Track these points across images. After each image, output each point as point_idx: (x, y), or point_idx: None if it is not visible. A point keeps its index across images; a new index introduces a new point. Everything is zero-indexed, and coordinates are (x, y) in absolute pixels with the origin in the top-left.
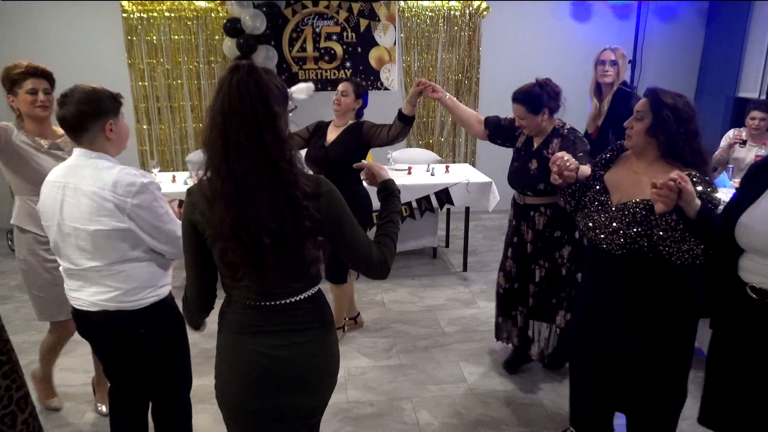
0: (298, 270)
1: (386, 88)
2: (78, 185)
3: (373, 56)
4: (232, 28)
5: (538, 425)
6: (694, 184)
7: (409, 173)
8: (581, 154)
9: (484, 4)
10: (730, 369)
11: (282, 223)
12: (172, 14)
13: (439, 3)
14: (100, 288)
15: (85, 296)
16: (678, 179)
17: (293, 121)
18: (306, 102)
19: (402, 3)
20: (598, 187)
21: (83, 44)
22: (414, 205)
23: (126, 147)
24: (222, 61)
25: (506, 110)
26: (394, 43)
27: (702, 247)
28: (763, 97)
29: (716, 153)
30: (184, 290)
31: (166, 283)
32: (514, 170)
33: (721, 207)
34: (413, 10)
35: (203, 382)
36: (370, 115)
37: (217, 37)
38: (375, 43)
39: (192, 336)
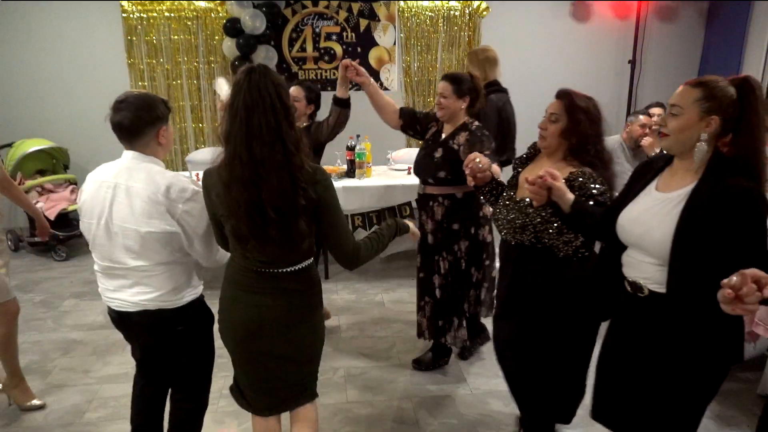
0: (293, 244)
1: (386, 89)
2: (131, 187)
3: (372, 56)
4: (232, 28)
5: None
6: (577, 180)
7: (409, 173)
8: (488, 152)
9: (483, 4)
10: (613, 362)
11: (285, 200)
12: (172, 14)
13: (438, 3)
14: (142, 288)
15: (126, 296)
16: (545, 176)
17: None
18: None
19: (402, 3)
20: (512, 184)
21: (83, 44)
22: (414, 205)
23: (169, 150)
24: (222, 61)
25: None
26: (394, 43)
27: (581, 240)
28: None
29: None
30: None
31: (200, 282)
32: (419, 159)
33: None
34: (413, 10)
35: None
36: (370, 116)
37: (216, 37)
38: (375, 43)
39: None
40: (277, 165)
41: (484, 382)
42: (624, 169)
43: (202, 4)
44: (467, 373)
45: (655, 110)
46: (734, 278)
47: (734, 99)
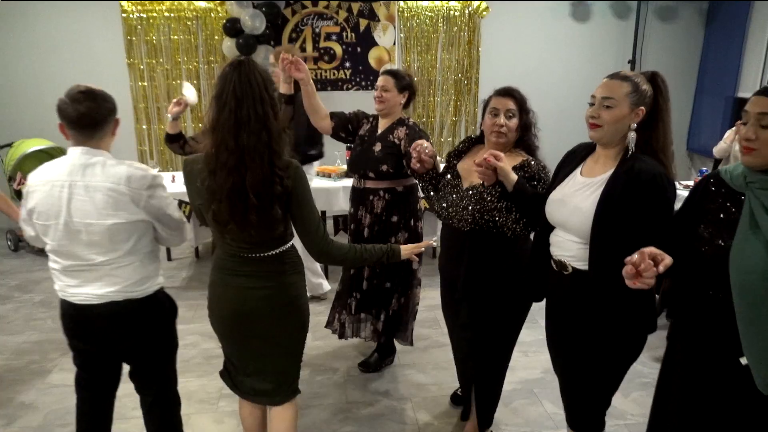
0: (270, 228)
1: None
2: (89, 183)
3: (372, 56)
4: (232, 28)
5: (537, 425)
6: (530, 167)
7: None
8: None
9: (483, 5)
10: (551, 334)
11: (265, 186)
12: (172, 14)
13: (438, 3)
14: (110, 280)
15: (91, 290)
16: (488, 157)
17: None
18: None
19: (401, 3)
20: (449, 176)
21: (83, 44)
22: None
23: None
24: (221, 61)
25: None
26: (394, 43)
27: (525, 220)
28: None
29: (717, 147)
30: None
31: (161, 273)
32: (356, 155)
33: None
34: (413, 10)
35: (203, 383)
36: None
37: (216, 37)
38: (374, 43)
39: (192, 336)
40: (261, 153)
41: None
42: None
43: (202, 4)
44: None
45: None
46: (635, 256)
47: (651, 92)
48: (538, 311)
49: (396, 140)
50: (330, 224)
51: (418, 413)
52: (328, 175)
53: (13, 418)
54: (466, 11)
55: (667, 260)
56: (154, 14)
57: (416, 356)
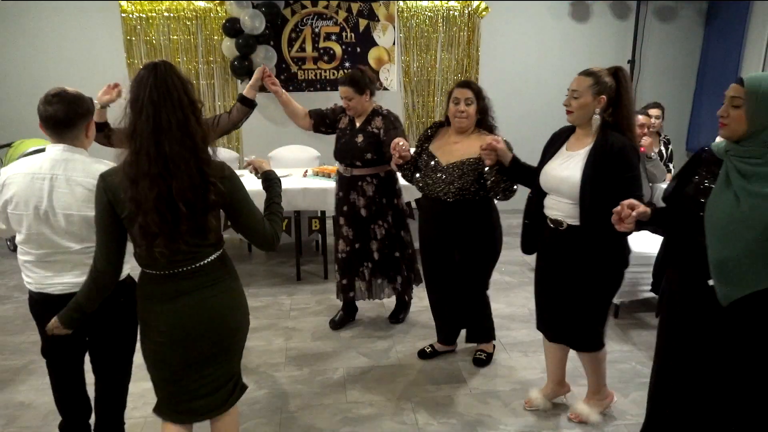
0: (202, 237)
1: (385, 88)
2: (71, 176)
3: (372, 56)
4: (231, 28)
5: (538, 425)
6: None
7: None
8: (402, 131)
9: (483, 4)
10: (543, 282)
11: (196, 195)
12: (171, 14)
13: (438, 3)
14: (86, 268)
15: (69, 279)
16: (492, 141)
17: None
18: (306, 104)
19: (401, 3)
20: (425, 157)
21: (82, 44)
22: (414, 205)
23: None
24: (221, 61)
25: (505, 110)
26: (393, 43)
27: (515, 186)
28: None
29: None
30: (93, 263)
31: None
32: (341, 146)
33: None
34: (412, 10)
35: None
36: None
37: (216, 38)
38: (374, 43)
39: None
40: (186, 160)
41: (484, 382)
42: None
43: (202, 4)
44: (467, 373)
45: (653, 111)
46: (619, 206)
47: (613, 83)
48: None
49: (375, 129)
50: (329, 224)
51: (418, 413)
52: (328, 175)
53: (12, 418)
54: (466, 11)
55: (642, 208)
56: (154, 14)
57: (416, 356)
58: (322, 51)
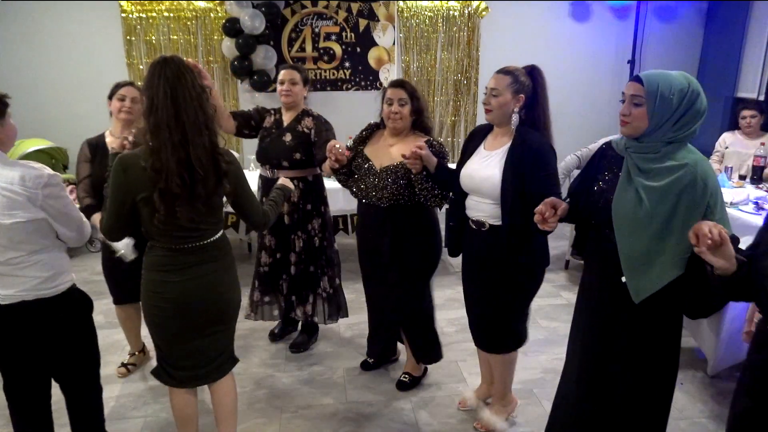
0: (210, 213)
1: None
2: None
3: (372, 56)
4: (231, 28)
5: (537, 425)
6: (433, 146)
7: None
8: (332, 134)
9: (483, 5)
10: (467, 283)
11: (208, 163)
12: (171, 14)
13: (438, 3)
14: (17, 279)
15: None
16: (415, 150)
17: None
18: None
19: (401, 3)
20: (360, 160)
21: (82, 44)
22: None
23: (13, 146)
24: (221, 61)
25: None
26: (393, 43)
27: (451, 193)
28: (762, 97)
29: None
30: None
31: (71, 269)
32: (267, 145)
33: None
34: (412, 10)
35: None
36: (371, 116)
37: (216, 37)
38: (374, 43)
39: None
40: (200, 131)
41: None
42: None
43: (202, 4)
44: (467, 373)
45: None
46: (541, 206)
47: (530, 82)
48: (536, 311)
49: (306, 129)
50: None
51: (418, 413)
52: (328, 176)
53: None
54: (466, 11)
55: (563, 206)
56: (154, 14)
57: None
58: (322, 51)
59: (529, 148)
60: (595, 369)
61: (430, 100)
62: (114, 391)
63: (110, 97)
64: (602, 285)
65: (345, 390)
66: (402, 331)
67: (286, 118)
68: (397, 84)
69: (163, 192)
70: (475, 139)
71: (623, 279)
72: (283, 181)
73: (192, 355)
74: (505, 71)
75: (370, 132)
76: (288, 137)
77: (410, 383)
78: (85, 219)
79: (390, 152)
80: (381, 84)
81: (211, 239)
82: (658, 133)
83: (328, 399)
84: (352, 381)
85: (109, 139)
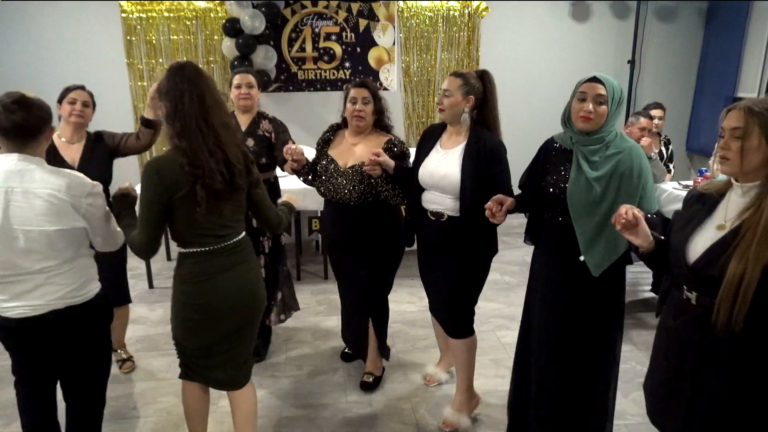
0: (240, 211)
1: (385, 89)
2: (28, 188)
3: (372, 56)
4: (231, 28)
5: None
6: (395, 145)
7: None
8: (288, 135)
9: (483, 5)
10: (424, 268)
11: (240, 163)
12: (171, 14)
13: (438, 3)
14: (49, 288)
15: (31, 300)
16: (373, 157)
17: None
18: (306, 104)
19: (401, 3)
20: (325, 162)
21: (82, 44)
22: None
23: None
24: (221, 61)
25: (505, 110)
26: (393, 44)
27: (401, 191)
28: (762, 97)
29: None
30: (135, 243)
31: (96, 275)
32: None
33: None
34: (412, 10)
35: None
36: None
37: (216, 37)
38: (374, 44)
39: None
40: (231, 134)
41: (484, 382)
42: None
43: (202, 4)
44: None
45: (655, 112)
46: (489, 203)
47: (480, 85)
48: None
49: (266, 133)
50: None
51: (417, 413)
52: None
53: (12, 418)
54: (466, 11)
55: (509, 201)
56: (154, 14)
57: (416, 356)
58: (322, 51)
59: (485, 147)
60: (554, 333)
61: (430, 100)
62: (114, 392)
63: (60, 101)
64: (559, 264)
65: (344, 390)
66: (371, 323)
67: (243, 123)
68: (360, 84)
69: (206, 186)
70: (430, 139)
71: (581, 258)
72: (289, 198)
73: (227, 363)
74: (457, 74)
75: (333, 133)
76: (251, 142)
77: (373, 383)
78: (119, 229)
79: (354, 151)
80: (381, 84)
81: (240, 237)
82: (606, 127)
83: (328, 399)
84: (352, 381)
85: (57, 142)
